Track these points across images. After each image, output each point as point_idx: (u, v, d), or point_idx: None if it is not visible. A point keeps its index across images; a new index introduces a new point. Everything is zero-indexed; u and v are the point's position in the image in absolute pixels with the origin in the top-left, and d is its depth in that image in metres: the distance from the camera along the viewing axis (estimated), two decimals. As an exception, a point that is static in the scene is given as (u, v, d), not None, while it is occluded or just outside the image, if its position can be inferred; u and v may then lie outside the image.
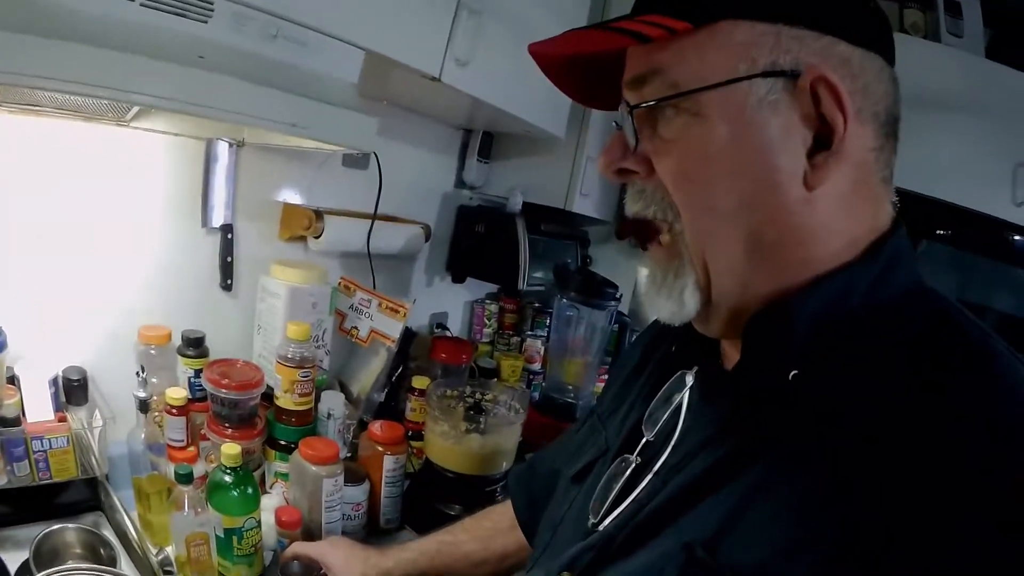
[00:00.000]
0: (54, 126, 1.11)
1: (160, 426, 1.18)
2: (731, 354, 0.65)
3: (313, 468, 1.16)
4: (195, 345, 1.28)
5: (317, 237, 1.49)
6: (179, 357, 1.28)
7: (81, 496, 1.13)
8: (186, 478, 1.03)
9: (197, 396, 1.26)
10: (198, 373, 1.26)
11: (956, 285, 2.07)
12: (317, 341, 1.41)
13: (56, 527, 1.02)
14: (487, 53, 1.32)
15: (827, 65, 0.52)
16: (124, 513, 1.10)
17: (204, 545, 1.03)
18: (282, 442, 1.28)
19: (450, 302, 2.16)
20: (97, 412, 1.17)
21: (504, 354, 2.12)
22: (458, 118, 1.89)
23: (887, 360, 0.51)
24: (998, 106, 1.85)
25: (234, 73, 0.89)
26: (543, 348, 2.11)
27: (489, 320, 2.19)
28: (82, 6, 0.76)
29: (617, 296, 1.79)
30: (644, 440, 0.67)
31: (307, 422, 1.31)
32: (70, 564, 0.97)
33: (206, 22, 0.86)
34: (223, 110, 0.88)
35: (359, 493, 1.26)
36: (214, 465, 1.09)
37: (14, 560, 0.97)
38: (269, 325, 1.41)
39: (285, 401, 1.27)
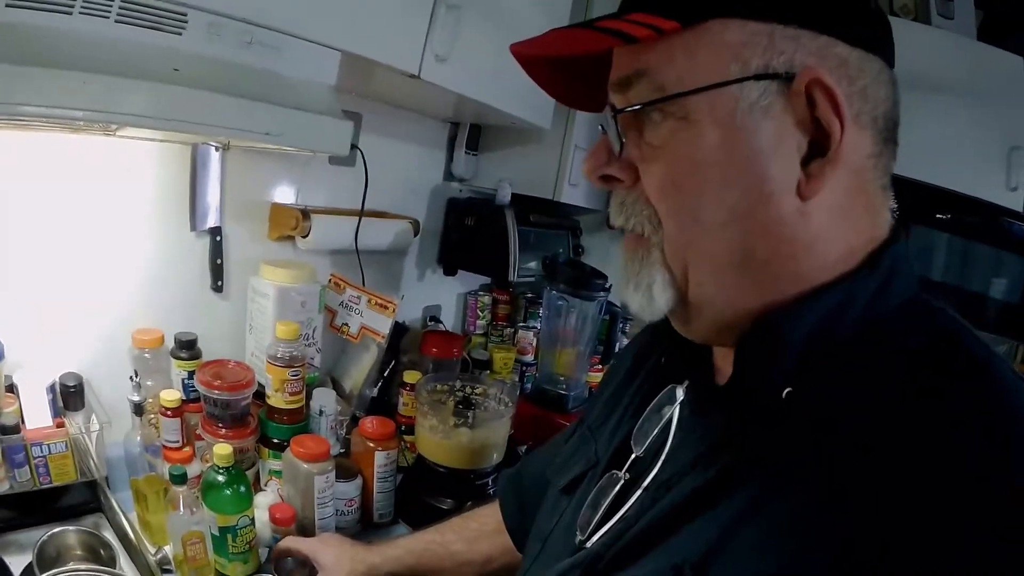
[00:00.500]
0: (42, 138, 1.13)
1: (156, 428, 1.20)
2: (723, 368, 0.63)
3: (304, 466, 1.19)
4: (188, 347, 1.30)
5: (305, 236, 1.51)
6: (172, 360, 1.30)
7: (81, 499, 1.15)
8: (180, 479, 1.06)
9: (191, 397, 1.28)
10: (191, 375, 1.28)
11: (947, 270, 2.07)
12: (307, 339, 1.43)
13: (57, 530, 1.05)
14: (467, 48, 1.31)
15: (824, 67, 0.49)
16: (123, 514, 1.12)
17: (200, 544, 1.06)
18: (275, 440, 1.31)
19: (443, 295, 2.18)
20: (94, 416, 1.19)
21: (497, 346, 2.14)
22: (444, 112, 1.89)
23: (884, 371, 0.49)
24: (990, 89, 1.84)
25: (209, 85, 0.90)
26: (535, 339, 2.12)
27: (482, 312, 2.20)
28: (57, 24, 0.77)
29: (607, 286, 1.80)
30: (633, 456, 0.65)
31: (299, 420, 1.33)
32: (71, 566, 0.99)
33: (180, 34, 0.88)
34: (197, 123, 0.89)
35: (352, 489, 1.29)
36: (209, 465, 1.11)
37: (18, 563, 0.99)
38: (260, 325, 1.43)
39: (276, 400, 1.30)
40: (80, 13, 0.78)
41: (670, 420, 0.63)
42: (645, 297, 0.57)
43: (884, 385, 0.48)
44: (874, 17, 0.53)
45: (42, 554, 1.00)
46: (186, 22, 0.87)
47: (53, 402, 1.14)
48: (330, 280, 1.58)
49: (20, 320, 1.16)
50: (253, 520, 1.10)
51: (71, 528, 1.07)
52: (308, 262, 1.53)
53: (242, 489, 1.08)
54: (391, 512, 1.38)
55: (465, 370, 1.82)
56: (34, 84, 0.75)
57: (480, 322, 2.21)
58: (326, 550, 1.04)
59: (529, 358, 2.13)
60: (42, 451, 1.07)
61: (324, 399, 1.37)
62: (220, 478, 1.07)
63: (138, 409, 1.19)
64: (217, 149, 1.36)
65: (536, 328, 2.17)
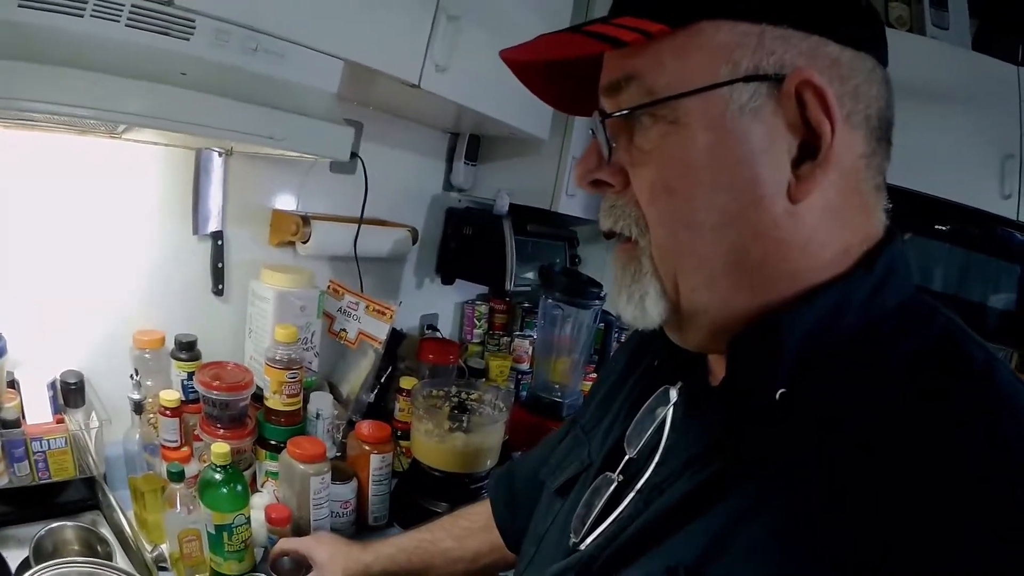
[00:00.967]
0: (49, 139, 1.15)
1: (154, 427, 1.22)
2: (717, 370, 0.62)
3: (301, 466, 1.20)
4: (187, 349, 1.32)
5: (305, 242, 1.53)
6: (172, 360, 1.32)
7: (79, 495, 1.16)
8: (178, 476, 1.08)
9: (190, 398, 1.30)
10: (191, 376, 1.30)
11: (944, 279, 2.07)
12: (305, 343, 1.45)
13: (55, 525, 1.06)
14: (467, 58, 1.34)
15: (814, 67, 0.49)
16: (120, 511, 1.13)
17: (196, 541, 1.07)
18: (272, 442, 1.32)
19: (441, 304, 2.19)
20: (94, 414, 1.21)
21: (493, 354, 2.15)
22: (444, 122, 1.92)
23: (886, 371, 0.49)
24: (985, 98, 1.86)
25: (215, 89, 0.92)
26: (531, 348, 2.14)
27: (479, 321, 2.22)
28: (68, 25, 0.80)
29: (601, 295, 1.82)
30: (627, 457, 0.64)
31: (296, 422, 1.34)
32: (68, 559, 1.00)
33: (188, 39, 0.90)
34: (203, 126, 0.92)
35: (347, 491, 1.30)
36: (206, 463, 1.13)
37: (14, 558, 1.00)
38: (259, 328, 1.45)
39: (274, 402, 1.31)
40: (91, 16, 0.80)
41: (663, 421, 0.63)
42: (638, 309, 0.57)
43: (886, 385, 0.48)
44: (865, 15, 0.53)
45: (39, 549, 1.01)
46: (194, 28, 0.90)
47: (54, 399, 1.15)
48: (329, 286, 1.60)
49: (23, 317, 1.17)
50: (249, 519, 1.11)
51: (68, 524, 1.08)
52: (308, 268, 1.55)
53: (239, 488, 1.09)
54: (386, 515, 1.39)
55: (461, 377, 1.83)
56: (45, 82, 0.78)
57: (477, 331, 2.23)
58: (320, 548, 1.05)
59: (525, 366, 2.14)
60: (42, 446, 1.08)
61: (321, 403, 1.38)
62: (217, 476, 1.08)
63: (138, 407, 1.20)
64: (220, 154, 1.38)
65: (532, 337, 2.18)
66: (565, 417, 1.82)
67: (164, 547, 1.10)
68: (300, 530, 1.21)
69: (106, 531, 1.12)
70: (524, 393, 2.04)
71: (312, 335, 1.49)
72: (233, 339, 1.51)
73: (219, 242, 1.44)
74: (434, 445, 1.38)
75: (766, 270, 0.52)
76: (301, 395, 1.34)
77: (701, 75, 0.50)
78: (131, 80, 0.84)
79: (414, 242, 1.86)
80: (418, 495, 1.41)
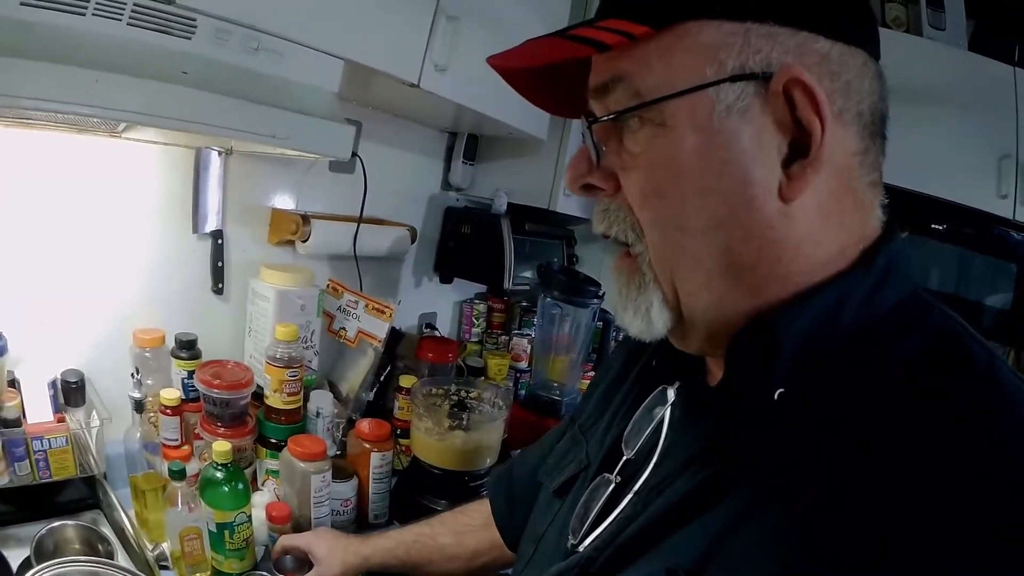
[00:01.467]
0: (49, 137, 1.15)
1: (155, 426, 1.22)
2: (715, 370, 0.62)
3: (301, 465, 1.20)
4: (188, 347, 1.32)
5: (304, 241, 1.53)
6: (172, 359, 1.32)
7: (80, 494, 1.16)
8: (179, 474, 1.08)
9: (190, 396, 1.30)
10: (191, 374, 1.30)
11: (944, 280, 2.08)
12: (305, 342, 1.45)
13: (56, 524, 1.06)
14: (466, 58, 1.34)
15: (803, 64, 0.48)
16: (121, 510, 1.14)
17: (197, 539, 1.07)
18: (272, 440, 1.32)
19: (439, 302, 2.20)
20: (94, 413, 1.21)
21: (492, 353, 2.15)
22: (442, 122, 1.92)
23: (885, 369, 0.49)
24: (982, 99, 1.86)
25: (216, 87, 0.93)
26: (529, 347, 2.14)
27: (478, 320, 2.23)
28: (70, 23, 0.80)
29: (600, 294, 1.82)
30: (624, 458, 0.64)
31: (296, 420, 1.34)
32: (70, 557, 1.00)
33: (190, 38, 0.91)
34: (205, 124, 0.92)
35: (347, 489, 1.30)
36: (207, 462, 1.13)
37: (16, 557, 1.00)
38: (259, 327, 1.45)
39: (274, 400, 1.31)
40: (93, 14, 0.81)
41: (661, 421, 0.63)
42: (644, 321, 0.57)
43: (885, 384, 0.48)
44: (855, 8, 0.52)
45: (40, 548, 1.01)
46: (195, 27, 0.91)
47: (54, 397, 1.15)
48: (328, 285, 1.60)
49: (23, 316, 1.17)
50: (250, 517, 1.11)
51: (69, 523, 1.08)
52: (307, 267, 1.55)
53: (240, 486, 1.09)
54: (386, 513, 1.40)
55: (460, 376, 1.83)
56: (47, 80, 0.78)
57: (475, 330, 2.23)
58: (320, 543, 1.06)
59: (523, 365, 2.14)
60: (42, 445, 1.08)
61: (321, 401, 1.39)
62: (218, 474, 1.08)
63: (138, 406, 1.20)
64: (220, 153, 1.38)
65: (530, 335, 2.18)
66: (563, 415, 1.83)
67: (165, 546, 1.11)
68: (300, 528, 1.21)
69: (107, 530, 1.12)
70: (523, 392, 2.04)
71: (312, 334, 1.49)
72: (233, 338, 1.51)
73: (219, 241, 1.45)
74: (434, 443, 1.39)
75: (760, 271, 0.52)
76: (301, 393, 1.35)
77: (687, 76, 0.50)
78: (133, 78, 0.84)
79: (413, 241, 1.86)
80: (418, 493, 1.41)
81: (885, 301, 0.52)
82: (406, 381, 1.56)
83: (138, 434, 1.21)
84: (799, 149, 0.49)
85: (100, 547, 1.07)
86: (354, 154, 1.57)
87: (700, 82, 0.49)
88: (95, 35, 0.82)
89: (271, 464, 1.32)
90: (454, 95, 1.39)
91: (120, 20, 0.83)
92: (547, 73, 0.59)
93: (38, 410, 1.12)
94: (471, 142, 2.02)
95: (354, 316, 1.56)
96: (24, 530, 1.07)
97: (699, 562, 0.49)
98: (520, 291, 2.24)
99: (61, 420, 1.13)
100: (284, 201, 1.59)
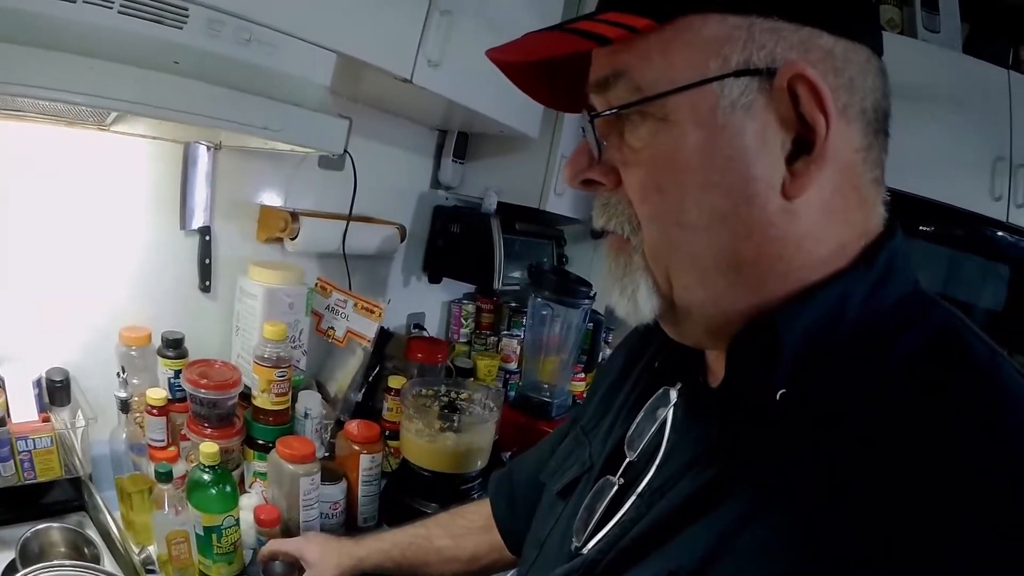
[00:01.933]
0: (36, 130, 1.12)
1: (141, 426, 1.19)
2: (716, 370, 0.61)
3: (290, 467, 1.18)
4: (174, 346, 1.30)
5: (293, 238, 1.51)
6: (159, 358, 1.30)
7: (65, 496, 1.14)
8: (166, 476, 1.05)
9: (177, 396, 1.28)
10: (178, 374, 1.28)
11: (934, 280, 2.09)
12: (294, 341, 1.43)
13: (41, 527, 1.04)
14: (459, 54, 1.33)
15: (807, 60, 0.47)
16: (107, 513, 1.11)
17: (184, 543, 1.05)
18: (260, 441, 1.30)
19: (427, 302, 2.18)
20: (80, 412, 1.18)
21: (481, 354, 2.14)
22: (433, 119, 1.91)
23: (886, 366, 0.48)
24: (976, 101, 1.89)
25: (208, 78, 0.91)
26: (519, 347, 2.13)
27: (466, 320, 2.21)
28: (64, 13, 0.78)
29: (591, 294, 1.82)
30: (627, 460, 0.64)
31: (284, 421, 1.32)
32: (55, 562, 0.98)
33: (181, 28, 0.88)
34: (197, 114, 0.90)
35: (337, 492, 1.28)
36: (194, 464, 1.10)
37: (1, 560, 0.98)
38: (247, 326, 1.43)
39: (262, 401, 1.29)
40: (84, 2, 0.78)
41: (664, 423, 0.63)
42: (631, 304, 0.56)
43: (888, 380, 0.47)
44: (858, 5, 0.52)
45: (25, 551, 0.99)
46: (187, 17, 0.88)
47: (39, 397, 1.13)
48: (317, 284, 1.58)
49: (7, 314, 1.15)
50: (238, 520, 1.09)
51: (55, 525, 1.06)
52: (296, 264, 1.53)
53: (227, 488, 1.07)
54: (375, 516, 1.38)
55: (449, 377, 1.82)
56: (37, 67, 0.76)
57: (464, 330, 2.21)
58: (311, 547, 1.03)
59: (513, 366, 2.13)
60: (27, 445, 1.05)
61: (310, 401, 1.37)
62: (206, 477, 1.06)
63: (124, 406, 1.17)
64: (208, 149, 1.36)
65: (520, 336, 2.17)
66: (554, 417, 1.83)
67: (152, 549, 1.08)
68: (289, 531, 1.19)
69: (93, 533, 1.10)
70: (512, 393, 2.03)
71: (300, 333, 1.47)
72: (220, 336, 1.49)
73: (207, 238, 1.42)
74: (424, 445, 1.37)
75: (761, 268, 0.51)
76: (290, 394, 1.32)
77: (690, 71, 0.49)
78: (126, 67, 0.83)
79: (402, 239, 1.85)
80: (408, 496, 1.39)
81: (886, 298, 0.52)
82: (395, 382, 1.55)
83: (124, 435, 1.19)
84: (803, 145, 0.49)
85: (86, 550, 1.05)
86: (344, 151, 1.55)
87: (703, 77, 0.49)
88: (86, 23, 0.79)
89: (259, 466, 1.29)
90: (447, 91, 1.38)
91: (111, 8, 0.81)
92: (546, 67, 0.58)
93: (23, 409, 1.09)
94: (461, 140, 2.00)
95: (343, 315, 1.54)
96: (9, 532, 1.04)
97: (702, 563, 0.49)
98: (509, 291, 2.23)
99: (46, 420, 1.10)
100: (273, 197, 1.57)
